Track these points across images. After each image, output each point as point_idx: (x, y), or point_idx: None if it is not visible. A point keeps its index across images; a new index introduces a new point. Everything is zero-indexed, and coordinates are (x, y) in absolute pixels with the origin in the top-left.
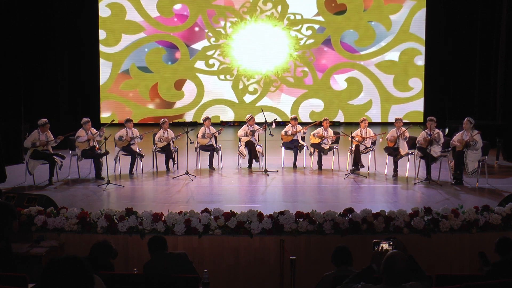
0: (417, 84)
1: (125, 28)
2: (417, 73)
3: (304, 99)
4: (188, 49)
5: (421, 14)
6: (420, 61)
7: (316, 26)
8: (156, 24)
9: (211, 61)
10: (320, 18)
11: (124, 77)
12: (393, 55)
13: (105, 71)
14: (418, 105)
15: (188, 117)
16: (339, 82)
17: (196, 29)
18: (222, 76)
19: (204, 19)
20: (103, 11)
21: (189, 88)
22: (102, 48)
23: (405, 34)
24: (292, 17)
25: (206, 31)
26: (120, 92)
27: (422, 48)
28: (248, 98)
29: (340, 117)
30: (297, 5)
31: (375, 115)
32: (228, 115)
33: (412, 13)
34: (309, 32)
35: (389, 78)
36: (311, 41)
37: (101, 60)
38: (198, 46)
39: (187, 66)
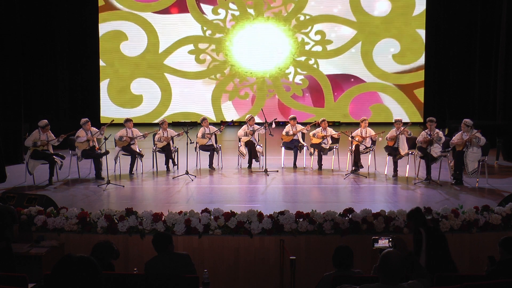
0: (417, 84)
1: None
2: (417, 73)
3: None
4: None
5: (421, 14)
6: (420, 60)
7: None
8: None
9: (202, 56)
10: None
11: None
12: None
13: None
14: (418, 105)
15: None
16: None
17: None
18: (212, 76)
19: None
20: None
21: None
22: (102, 47)
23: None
24: (302, 17)
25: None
26: (120, 91)
27: (422, 48)
28: (238, 102)
29: (339, 117)
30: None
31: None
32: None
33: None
34: (318, 37)
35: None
36: (318, 48)
37: (101, 60)
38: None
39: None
